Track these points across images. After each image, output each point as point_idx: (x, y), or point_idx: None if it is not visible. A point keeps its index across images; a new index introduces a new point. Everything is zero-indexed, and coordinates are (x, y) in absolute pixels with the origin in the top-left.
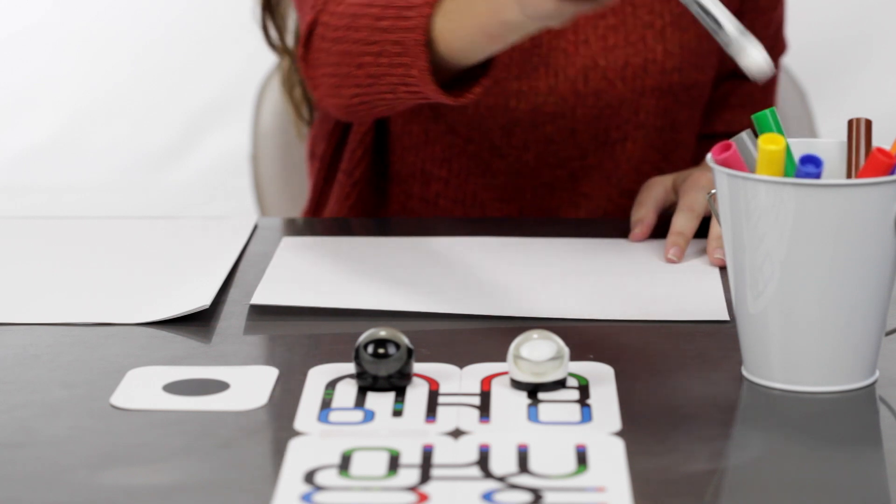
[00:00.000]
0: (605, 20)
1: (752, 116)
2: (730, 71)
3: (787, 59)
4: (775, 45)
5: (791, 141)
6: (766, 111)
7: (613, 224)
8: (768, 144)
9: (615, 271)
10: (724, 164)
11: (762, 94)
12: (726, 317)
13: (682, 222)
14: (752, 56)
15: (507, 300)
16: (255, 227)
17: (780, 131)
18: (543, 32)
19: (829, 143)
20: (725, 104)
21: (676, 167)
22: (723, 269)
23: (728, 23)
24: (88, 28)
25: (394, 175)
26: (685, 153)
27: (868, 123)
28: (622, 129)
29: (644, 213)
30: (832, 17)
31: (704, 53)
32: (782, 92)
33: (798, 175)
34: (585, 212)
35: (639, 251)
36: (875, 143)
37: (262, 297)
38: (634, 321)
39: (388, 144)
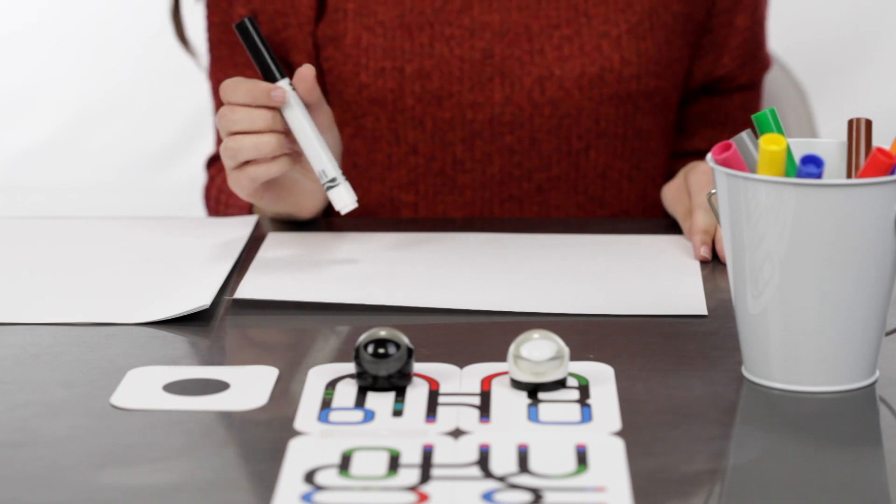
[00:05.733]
0: (560, 30)
1: (753, 116)
2: (702, 85)
3: (787, 60)
4: (750, 61)
5: (791, 141)
6: (767, 111)
7: (580, 223)
8: (770, 145)
9: (596, 267)
10: (724, 164)
11: (743, 112)
12: (704, 311)
13: (705, 220)
14: (337, 194)
15: (489, 295)
16: (255, 227)
17: (780, 131)
18: (495, 42)
19: (829, 143)
20: (705, 121)
21: (649, 176)
22: (704, 263)
23: (317, 160)
24: (88, 27)
25: (366, 205)
26: (657, 161)
27: (868, 123)
28: (584, 139)
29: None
30: (832, 17)
31: (664, 62)
32: (782, 92)
33: (799, 175)
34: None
35: (620, 246)
36: (875, 143)
37: (245, 291)
38: (615, 315)
39: (355, 178)
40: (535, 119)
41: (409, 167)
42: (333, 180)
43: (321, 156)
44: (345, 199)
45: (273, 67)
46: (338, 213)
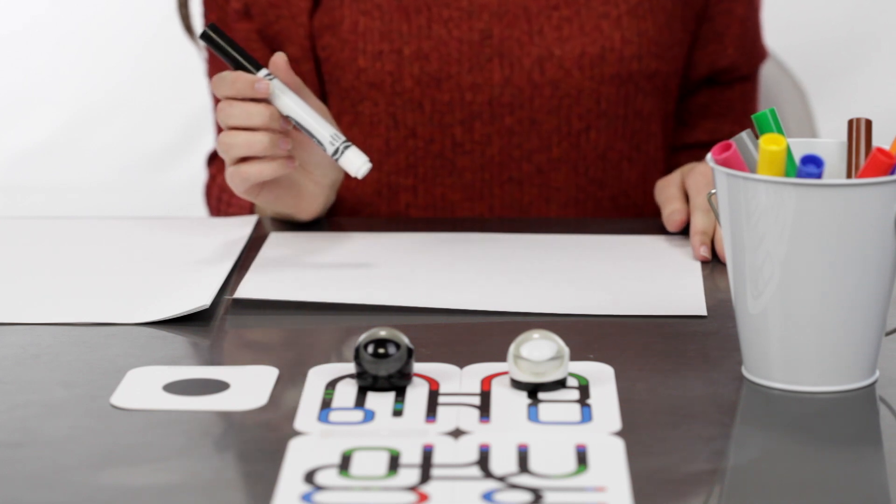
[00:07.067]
0: (559, 11)
1: (752, 116)
2: (705, 75)
3: (787, 59)
4: (751, 51)
5: (791, 141)
6: (767, 111)
7: (581, 222)
8: (770, 145)
9: (596, 267)
10: (724, 164)
11: (742, 103)
12: (704, 312)
13: (703, 221)
14: (348, 158)
15: (488, 295)
16: (256, 227)
17: (780, 131)
18: (493, 23)
19: (829, 143)
20: (707, 113)
21: (650, 158)
22: (704, 263)
23: (321, 132)
24: (88, 27)
25: (361, 194)
26: (657, 144)
27: (868, 123)
28: (584, 119)
29: (679, 205)
30: (832, 17)
31: (665, 43)
32: (782, 92)
33: (799, 175)
34: (556, 205)
35: (620, 247)
36: (875, 143)
37: (245, 291)
38: (615, 315)
39: None
40: (534, 100)
41: (407, 151)
42: (345, 142)
43: (319, 129)
44: (357, 163)
45: (247, 64)
46: (338, 213)
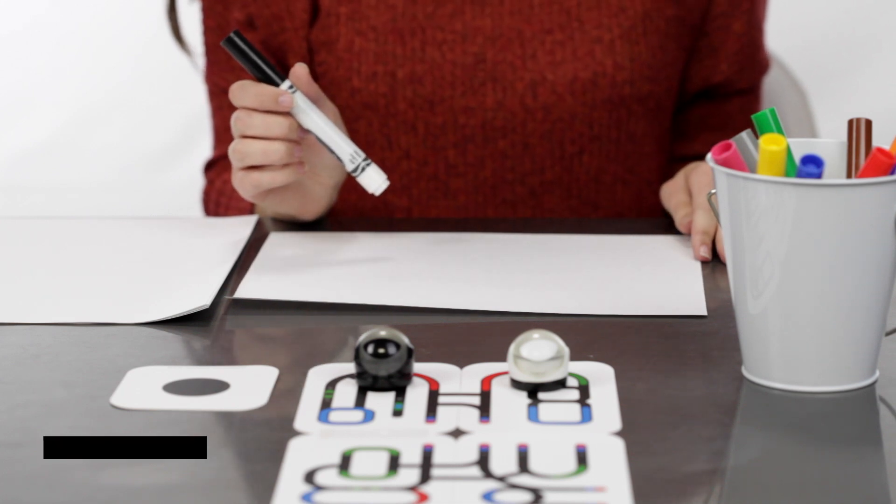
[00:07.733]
0: (552, 35)
1: (753, 117)
2: (700, 88)
3: (787, 59)
4: (749, 66)
5: (791, 141)
6: (767, 111)
7: (581, 222)
8: (770, 145)
9: (596, 267)
10: (724, 164)
11: (742, 115)
12: (704, 312)
13: (704, 221)
14: (368, 176)
15: (488, 295)
16: (256, 227)
17: (780, 131)
18: (487, 47)
19: (829, 143)
20: (706, 125)
21: (644, 180)
22: (704, 263)
23: (343, 149)
24: (88, 27)
25: (357, 212)
26: (651, 165)
27: (868, 123)
28: (577, 143)
29: (691, 209)
30: (832, 17)
31: (658, 66)
32: (782, 92)
33: (799, 175)
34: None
35: (620, 247)
36: (875, 143)
37: (245, 291)
38: (615, 315)
39: (349, 182)
40: (527, 124)
41: (401, 172)
42: (365, 159)
43: (342, 145)
44: (377, 181)
45: (271, 73)
46: (338, 212)
